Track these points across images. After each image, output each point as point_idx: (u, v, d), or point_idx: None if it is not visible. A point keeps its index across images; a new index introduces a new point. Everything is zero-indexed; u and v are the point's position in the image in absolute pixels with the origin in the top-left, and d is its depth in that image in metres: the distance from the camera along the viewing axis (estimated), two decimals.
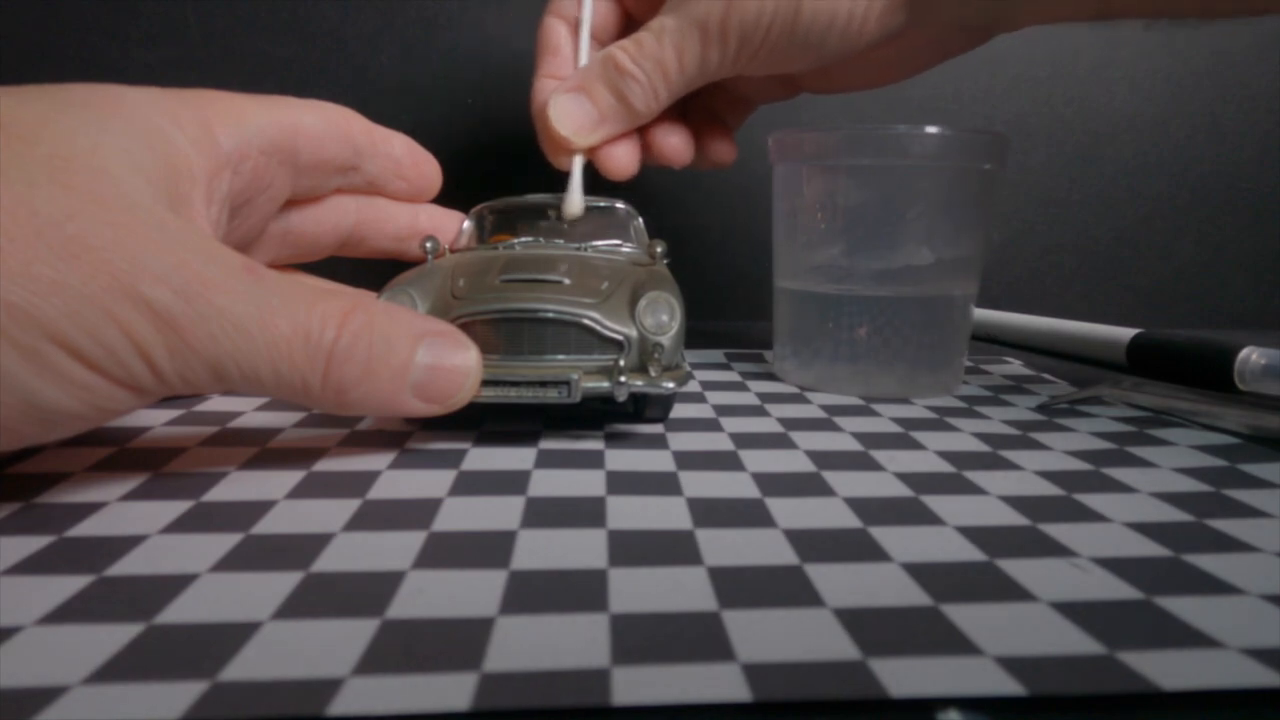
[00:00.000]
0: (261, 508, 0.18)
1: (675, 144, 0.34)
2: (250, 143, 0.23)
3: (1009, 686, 0.12)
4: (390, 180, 0.30)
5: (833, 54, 0.29)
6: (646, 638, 0.13)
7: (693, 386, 0.32)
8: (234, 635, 0.13)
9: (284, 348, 0.18)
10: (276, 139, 0.24)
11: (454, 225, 0.32)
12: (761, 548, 0.17)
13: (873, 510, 0.19)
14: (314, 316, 0.19)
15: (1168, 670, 0.12)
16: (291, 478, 0.20)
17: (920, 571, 0.16)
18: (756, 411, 0.28)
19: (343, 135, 0.27)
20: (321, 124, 0.26)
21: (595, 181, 0.33)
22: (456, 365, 0.21)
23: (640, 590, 0.15)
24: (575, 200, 0.31)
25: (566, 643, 0.13)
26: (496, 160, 0.49)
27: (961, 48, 0.32)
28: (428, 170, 0.31)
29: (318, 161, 0.26)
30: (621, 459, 0.22)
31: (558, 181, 0.32)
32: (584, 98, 0.31)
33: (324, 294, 0.19)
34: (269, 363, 0.18)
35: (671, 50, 0.29)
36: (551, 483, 0.20)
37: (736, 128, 0.38)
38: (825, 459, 0.23)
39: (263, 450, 0.22)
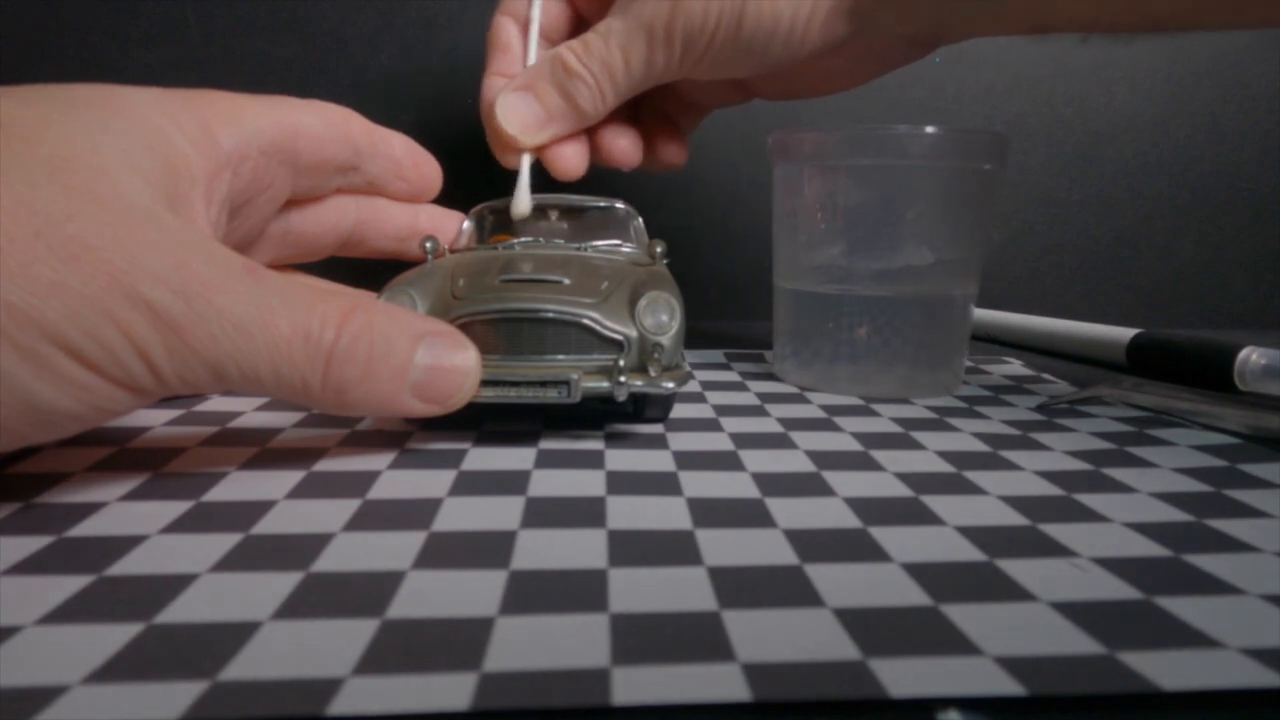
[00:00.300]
0: (261, 508, 0.18)
1: (624, 146, 0.34)
2: (250, 143, 0.23)
3: (1009, 686, 0.12)
4: (390, 180, 0.30)
5: (777, 60, 0.29)
6: (646, 638, 0.13)
7: (693, 386, 0.32)
8: (234, 635, 0.13)
9: (284, 348, 0.18)
10: (276, 139, 0.24)
11: (454, 225, 0.32)
12: (761, 548, 0.17)
13: (873, 510, 0.19)
14: (314, 317, 0.19)
15: (1168, 670, 0.12)
16: (291, 478, 0.20)
17: (920, 571, 0.16)
18: (756, 411, 0.28)
19: (343, 135, 0.27)
20: (321, 124, 0.26)
21: (595, 182, 0.33)
22: (456, 365, 0.21)
23: (640, 590, 0.15)
24: (523, 200, 0.31)
25: (566, 643, 0.13)
26: (496, 160, 0.49)
27: (907, 58, 0.32)
28: (428, 171, 0.31)
29: (318, 162, 0.26)
30: (621, 459, 0.22)
31: (557, 182, 0.32)
32: (531, 97, 0.31)
33: (324, 294, 0.19)
34: (269, 363, 0.18)
35: (618, 52, 0.29)
36: (551, 483, 0.20)
37: (689, 131, 0.38)
38: (825, 459, 0.23)
39: (263, 450, 0.22)
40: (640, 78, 0.30)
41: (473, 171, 0.37)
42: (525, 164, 0.31)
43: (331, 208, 0.29)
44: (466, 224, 0.32)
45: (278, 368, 0.18)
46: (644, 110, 0.36)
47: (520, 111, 0.30)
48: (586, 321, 0.24)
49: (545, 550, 0.16)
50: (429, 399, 0.21)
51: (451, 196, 0.32)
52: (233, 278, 0.18)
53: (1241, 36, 0.53)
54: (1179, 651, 0.13)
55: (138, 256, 0.17)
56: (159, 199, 0.18)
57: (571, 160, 0.32)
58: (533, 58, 0.33)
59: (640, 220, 0.32)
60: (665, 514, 0.18)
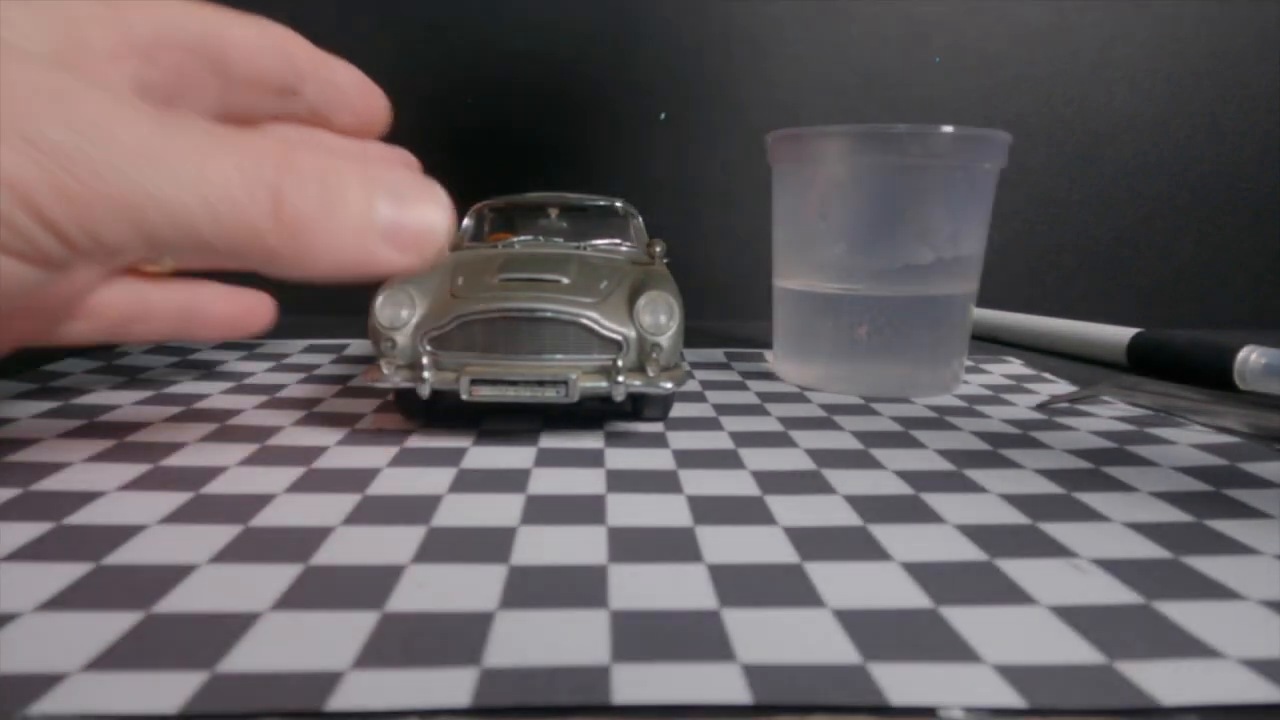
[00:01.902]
0: (261, 501, 0.18)
1: None
2: (165, 32, 0.21)
3: (1008, 697, 0.12)
4: (336, 110, 0.26)
5: None
6: (646, 635, 0.13)
7: (692, 386, 0.32)
8: (233, 626, 0.13)
9: (217, 180, 0.15)
10: (200, 36, 0.22)
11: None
12: (761, 545, 0.17)
13: (873, 508, 0.19)
14: (246, 150, 0.16)
15: (1167, 682, 0.12)
16: (291, 473, 0.20)
17: (920, 571, 0.16)
18: (756, 410, 0.28)
19: (280, 51, 0.24)
20: (256, 35, 0.23)
21: (595, 182, 0.33)
22: (421, 200, 0.18)
23: (640, 587, 0.15)
24: None
25: (566, 639, 0.13)
26: (496, 160, 0.49)
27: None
28: (374, 103, 0.27)
29: (252, 75, 0.24)
30: (621, 457, 0.22)
31: (557, 181, 0.32)
32: None
33: (249, 131, 0.17)
34: (199, 200, 0.15)
35: None
36: (551, 480, 0.20)
37: None
38: (825, 457, 0.23)
39: (263, 447, 0.22)
40: None
41: (472, 171, 0.37)
42: None
43: None
44: (466, 222, 0.32)
45: (214, 207, 0.15)
46: None
47: None
48: (585, 321, 0.24)
49: (545, 546, 0.16)
50: (404, 246, 0.18)
51: (452, 197, 0.32)
52: (137, 109, 0.15)
53: (1241, 36, 0.53)
54: (1178, 661, 0.13)
55: (19, 102, 0.14)
56: (52, 64, 0.16)
57: None
58: None
59: (640, 219, 0.32)
60: (665, 511, 0.18)
